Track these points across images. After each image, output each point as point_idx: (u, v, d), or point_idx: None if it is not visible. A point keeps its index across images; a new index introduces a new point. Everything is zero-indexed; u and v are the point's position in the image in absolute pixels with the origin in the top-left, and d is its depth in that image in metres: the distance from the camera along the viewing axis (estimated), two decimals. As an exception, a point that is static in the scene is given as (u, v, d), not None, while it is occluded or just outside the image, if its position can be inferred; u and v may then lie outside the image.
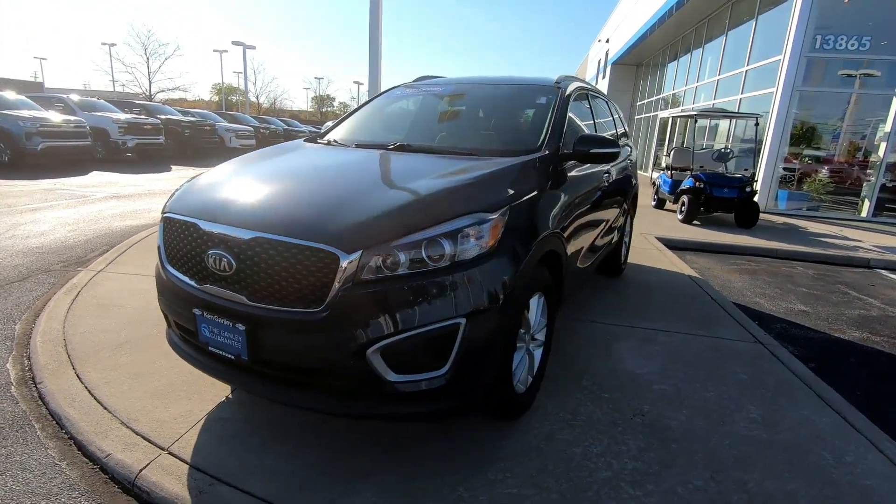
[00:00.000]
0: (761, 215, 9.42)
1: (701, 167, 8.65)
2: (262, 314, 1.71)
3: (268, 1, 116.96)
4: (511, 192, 2.03)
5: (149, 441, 2.03)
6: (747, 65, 11.38)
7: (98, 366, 2.58)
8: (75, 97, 15.81)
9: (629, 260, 5.21)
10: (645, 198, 10.98)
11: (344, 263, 1.61)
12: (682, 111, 9.50)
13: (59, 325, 3.03)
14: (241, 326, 1.75)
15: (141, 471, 1.86)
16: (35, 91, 30.44)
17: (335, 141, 2.90)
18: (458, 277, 1.71)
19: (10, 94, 14.02)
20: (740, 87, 11.67)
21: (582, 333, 3.29)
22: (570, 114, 2.95)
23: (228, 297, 1.78)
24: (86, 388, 2.40)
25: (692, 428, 2.28)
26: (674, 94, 17.14)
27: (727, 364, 2.96)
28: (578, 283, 3.16)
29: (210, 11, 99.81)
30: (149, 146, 14.88)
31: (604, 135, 2.71)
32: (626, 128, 4.87)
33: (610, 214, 3.62)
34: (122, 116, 14.94)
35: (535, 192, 2.18)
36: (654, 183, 10.14)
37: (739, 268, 5.92)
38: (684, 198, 8.15)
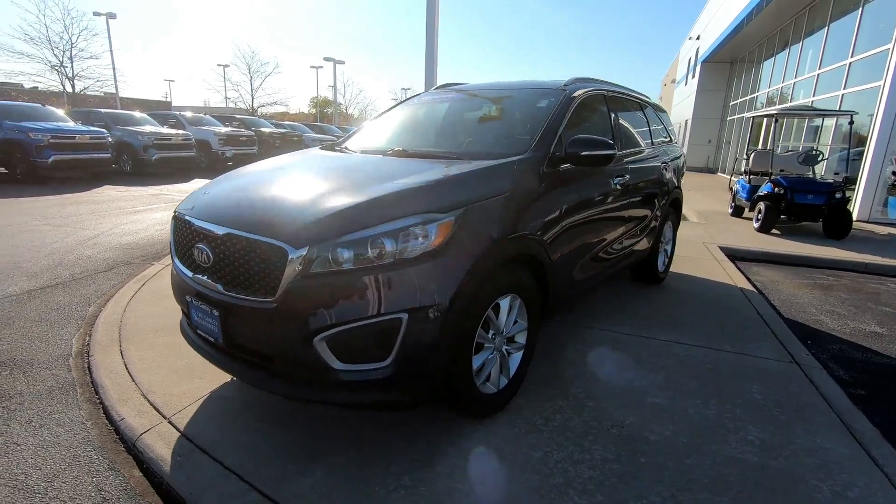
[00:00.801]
0: (861, 225, 8.36)
1: (781, 171, 7.85)
2: (231, 302, 1.92)
3: (357, 18, 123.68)
4: (473, 193, 2.08)
5: (157, 410, 2.33)
6: (851, 56, 10.14)
7: (139, 345, 2.99)
8: (189, 113, 17.90)
9: (675, 269, 4.93)
10: (723, 204, 10.20)
11: (292, 257, 1.77)
12: (765, 111, 8.66)
13: (121, 310, 3.53)
14: (216, 312, 1.98)
15: (141, 434, 2.15)
16: (164, 109, 34.81)
17: (345, 148, 3.10)
18: (402, 274, 1.80)
19: (137, 113, 16.24)
20: (842, 81, 10.41)
21: (589, 341, 3.20)
22: (576, 117, 2.92)
23: (209, 286, 2.01)
24: (123, 362, 2.79)
25: (672, 444, 2.16)
26: (769, 92, 15.66)
27: (744, 382, 2.73)
28: (581, 290, 3.08)
29: (308, 30, 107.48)
30: (244, 155, 16.41)
31: (599, 137, 2.64)
32: (670, 130, 4.62)
33: (631, 220, 3.48)
34: (223, 130, 16.69)
35: (507, 194, 2.20)
36: (731, 189, 9.36)
37: (814, 282, 5.32)
38: (761, 204, 7.46)
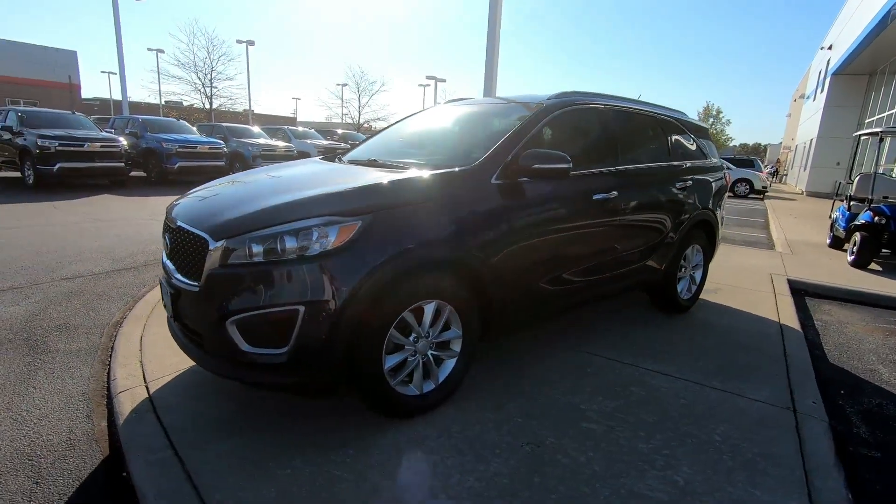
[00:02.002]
0: None
1: (885, 197, 6.73)
2: (177, 284, 2.24)
3: (460, 40, 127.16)
4: (389, 200, 2.20)
5: (143, 376, 2.74)
6: None
7: (161, 322, 3.49)
8: (299, 128, 19.90)
9: (717, 300, 4.52)
10: (824, 234, 9.01)
11: (212, 248, 2.04)
12: (870, 130, 7.46)
13: (158, 295, 4.13)
14: (170, 292, 2.31)
15: (119, 393, 2.55)
16: (290, 124, 38.72)
17: (339, 157, 3.36)
18: (302, 269, 1.98)
19: (255, 128, 18.39)
20: None
21: (562, 360, 3.09)
22: (555, 131, 2.91)
23: (169, 269, 2.36)
24: (141, 335, 3.29)
25: (580, 470, 2.06)
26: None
27: (711, 422, 2.49)
28: (554, 309, 3.01)
29: (412, 52, 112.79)
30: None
31: (554, 151, 2.58)
32: (705, 149, 4.27)
33: (624, 240, 3.32)
34: (323, 142, 18.28)
35: (431, 203, 2.29)
36: (830, 217, 8.21)
37: (890, 328, 4.54)
38: (857, 235, 6.47)
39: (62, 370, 2.86)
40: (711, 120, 63.25)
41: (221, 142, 14.45)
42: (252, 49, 35.36)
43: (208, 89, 35.53)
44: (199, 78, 35.17)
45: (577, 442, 2.26)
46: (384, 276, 2.08)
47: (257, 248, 2.00)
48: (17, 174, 11.51)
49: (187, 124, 15.19)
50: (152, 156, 13.29)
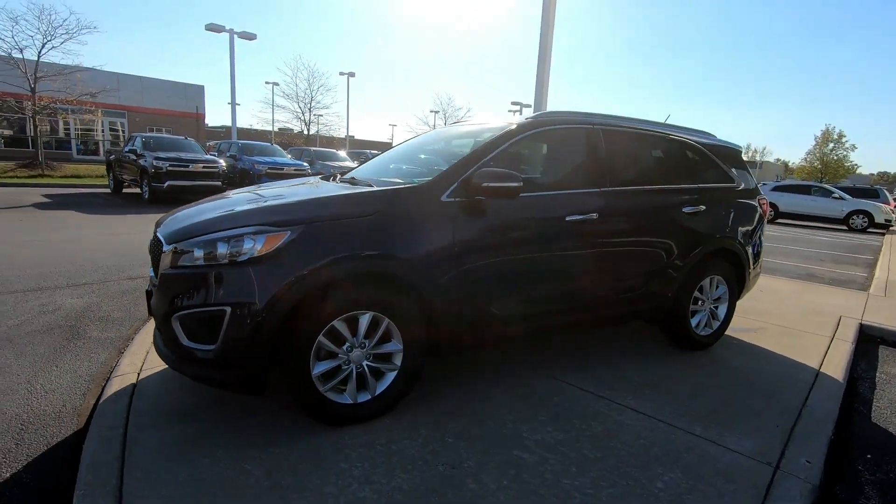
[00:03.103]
0: None
1: None
2: (151, 284, 2.54)
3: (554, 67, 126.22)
4: (326, 212, 2.33)
5: (140, 366, 3.09)
6: None
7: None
8: (375, 151, 21.07)
9: (755, 341, 4.07)
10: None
11: (164, 251, 2.31)
12: None
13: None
14: (147, 290, 2.62)
15: (113, 377, 2.91)
16: (386, 149, 41.01)
17: (334, 178, 3.57)
18: (232, 273, 2.16)
19: (341, 152, 19.78)
20: None
21: (530, 387, 2.97)
22: (529, 151, 2.89)
23: (151, 272, 2.68)
24: (157, 328, 3.70)
25: (483, 497, 1.98)
26: None
27: (661, 469, 2.25)
28: (521, 330, 2.92)
29: (500, 78, 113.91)
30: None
31: (505, 170, 2.53)
32: (733, 172, 3.89)
33: (612, 263, 3.14)
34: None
35: (369, 217, 2.38)
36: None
37: None
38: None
39: (84, 354, 3.31)
40: (832, 145, 56.42)
41: (307, 164, 15.70)
42: (352, 80, 38.28)
43: (307, 115, 38.79)
44: (299, 107, 38.55)
45: (499, 469, 2.17)
46: (310, 284, 2.20)
47: (198, 253, 2.22)
48: (139, 190, 13.43)
49: (279, 148, 16.74)
50: (247, 176, 14.79)
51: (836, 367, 3.66)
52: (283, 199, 2.55)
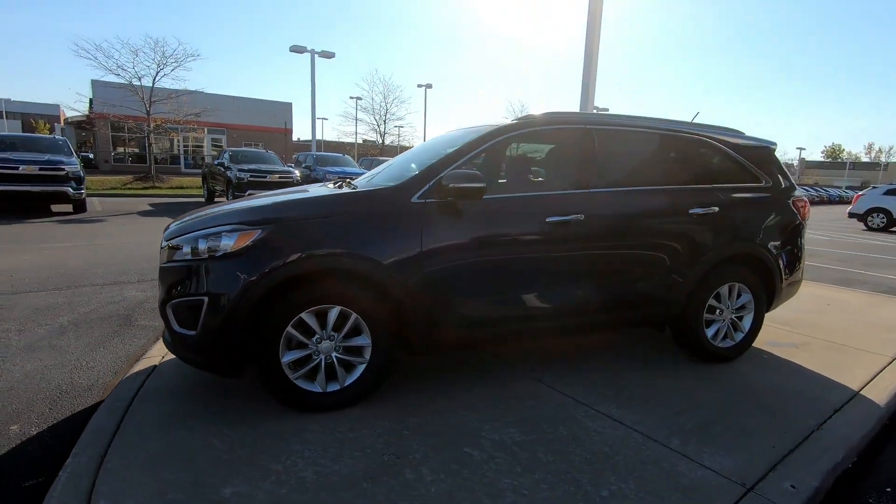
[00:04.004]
0: None
1: None
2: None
3: (620, 69, 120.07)
4: (293, 214, 2.53)
5: (165, 351, 3.49)
6: None
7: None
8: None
9: (794, 359, 3.71)
10: None
11: (162, 246, 2.62)
12: None
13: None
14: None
15: (139, 360, 3.32)
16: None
17: (344, 184, 3.79)
18: (209, 266, 2.42)
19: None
20: None
21: (509, 388, 2.95)
22: (507, 154, 2.91)
23: None
24: (195, 320, 4.14)
25: (414, 488, 2.04)
26: None
27: (614, 478, 2.16)
28: (501, 333, 2.92)
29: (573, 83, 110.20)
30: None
31: (471, 171, 2.54)
32: (757, 171, 3.56)
33: (601, 269, 3.04)
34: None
35: (337, 217, 2.55)
36: None
37: None
38: None
39: (129, 340, 3.80)
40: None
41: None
42: (430, 91, 39.36)
43: (382, 127, 40.42)
44: (375, 119, 40.27)
45: (441, 463, 2.21)
46: (277, 278, 2.40)
47: (186, 248, 2.51)
48: (227, 199, 14.87)
49: (350, 159, 17.67)
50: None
51: (882, 391, 3.22)
52: (264, 201, 2.80)
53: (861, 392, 3.16)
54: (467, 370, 3.24)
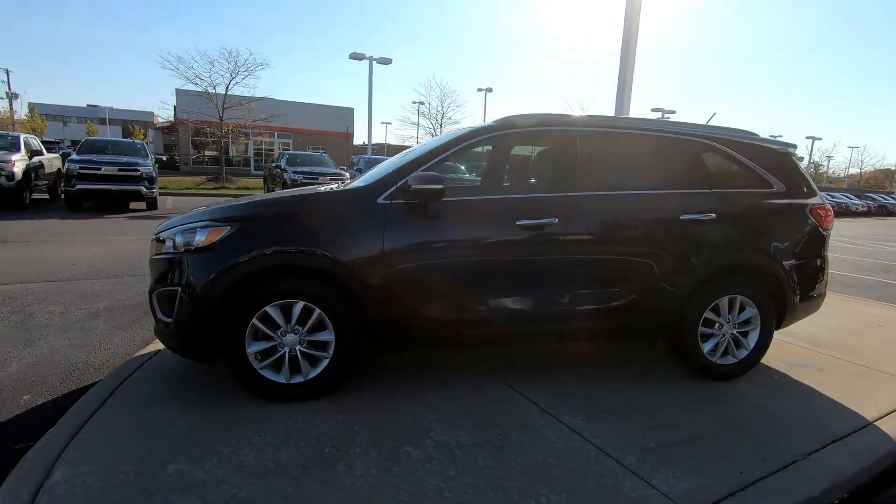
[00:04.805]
0: None
1: None
2: None
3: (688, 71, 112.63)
4: (260, 212, 2.68)
5: (176, 336, 3.78)
6: None
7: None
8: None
9: (811, 383, 3.41)
10: None
11: (151, 239, 2.86)
12: None
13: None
14: None
15: (149, 344, 3.62)
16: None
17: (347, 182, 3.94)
18: (183, 259, 2.62)
19: (462, 166, 20.46)
20: None
21: (477, 393, 2.93)
22: (482, 156, 2.89)
23: None
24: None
25: (341, 480, 2.09)
26: None
27: (545, 489, 2.10)
28: (468, 335, 2.91)
29: (645, 86, 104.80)
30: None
31: (432, 174, 2.53)
32: (762, 175, 3.28)
33: (578, 275, 2.94)
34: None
35: (304, 215, 2.67)
36: None
37: None
38: None
39: (147, 325, 4.14)
40: None
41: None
42: (490, 95, 39.36)
43: (439, 131, 40.80)
44: (431, 123, 40.71)
45: (377, 459, 2.25)
46: (242, 272, 2.55)
47: (168, 242, 2.72)
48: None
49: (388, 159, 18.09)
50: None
51: (903, 422, 2.87)
52: (244, 200, 2.97)
53: (875, 423, 2.84)
54: (441, 372, 3.25)
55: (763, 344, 3.31)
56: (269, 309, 2.63)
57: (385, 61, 22.57)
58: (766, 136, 3.47)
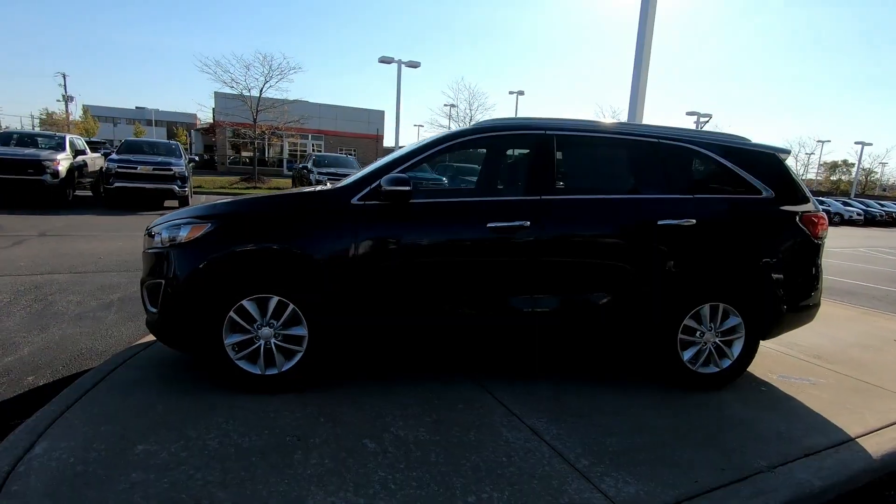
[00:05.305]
0: None
1: None
2: None
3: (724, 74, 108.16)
4: (239, 210, 2.82)
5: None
6: None
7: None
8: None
9: (804, 398, 3.31)
10: None
11: (144, 234, 3.04)
12: None
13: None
14: None
15: (140, 339, 3.83)
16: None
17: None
18: (168, 253, 2.78)
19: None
20: None
21: (449, 390, 2.98)
22: (456, 159, 2.95)
23: None
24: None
25: (299, 465, 2.18)
26: None
27: (489, 487, 2.13)
28: (433, 332, 2.98)
29: (680, 87, 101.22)
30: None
31: (401, 175, 2.60)
32: (750, 180, 3.19)
33: (550, 278, 2.96)
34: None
35: (280, 214, 2.80)
36: None
37: None
38: None
39: (140, 320, 4.36)
40: None
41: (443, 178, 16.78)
42: (521, 98, 39.14)
43: (466, 135, 40.76)
44: (459, 126, 40.67)
45: (333, 451, 2.33)
46: (219, 267, 2.69)
47: (157, 237, 2.90)
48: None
49: (425, 165, 18.23)
50: (393, 189, 16.53)
51: (888, 442, 2.75)
52: (229, 199, 3.12)
53: (857, 439, 2.74)
54: (417, 370, 3.31)
55: (747, 354, 3.23)
56: (245, 303, 2.76)
57: (413, 65, 22.84)
58: (757, 141, 3.37)
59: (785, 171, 3.33)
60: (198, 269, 2.69)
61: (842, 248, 14.65)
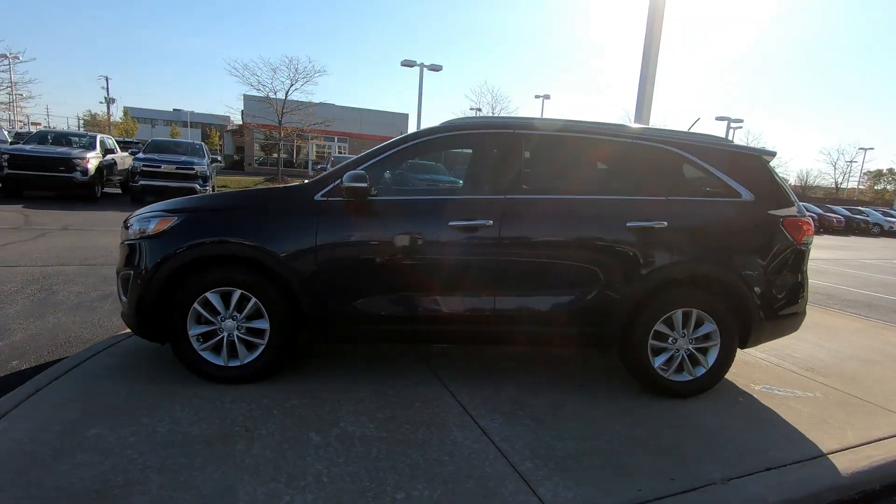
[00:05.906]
0: None
1: None
2: None
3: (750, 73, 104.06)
4: (204, 205, 2.91)
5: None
6: None
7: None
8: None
9: (783, 412, 3.18)
10: None
11: (121, 228, 3.15)
12: None
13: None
14: None
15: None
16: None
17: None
18: (137, 245, 2.87)
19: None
20: None
21: (409, 389, 2.98)
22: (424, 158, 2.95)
23: None
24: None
25: (238, 458, 2.22)
26: None
27: (424, 486, 2.12)
28: (377, 331, 3.00)
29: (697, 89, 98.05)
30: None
31: (361, 172, 2.61)
32: (728, 182, 3.07)
33: (513, 278, 2.93)
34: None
35: (243, 210, 2.86)
36: None
37: None
38: None
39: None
40: None
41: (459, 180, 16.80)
42: (548, 102, 38.84)
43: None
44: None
45: (277, 442, 2.36)
46: (182, 260, 2.76)
47: (133, 230, 2.99)
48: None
49: (441, 167, 18.26)
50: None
51: (862, 460, 2.60)
52: (199, 195, 3.20)
53: (828, 455, 2.60)
54: (382, 366, 3.32)
55: (723, 363, 3.11)
56: (209, 295, 2.82)
57: (436, 68, 22.94)
58: (740, 143, 3.25)
59: (768, 174, 3.19)
60: (163, 261, 2.77)
61: (875, 261, 13.98)
